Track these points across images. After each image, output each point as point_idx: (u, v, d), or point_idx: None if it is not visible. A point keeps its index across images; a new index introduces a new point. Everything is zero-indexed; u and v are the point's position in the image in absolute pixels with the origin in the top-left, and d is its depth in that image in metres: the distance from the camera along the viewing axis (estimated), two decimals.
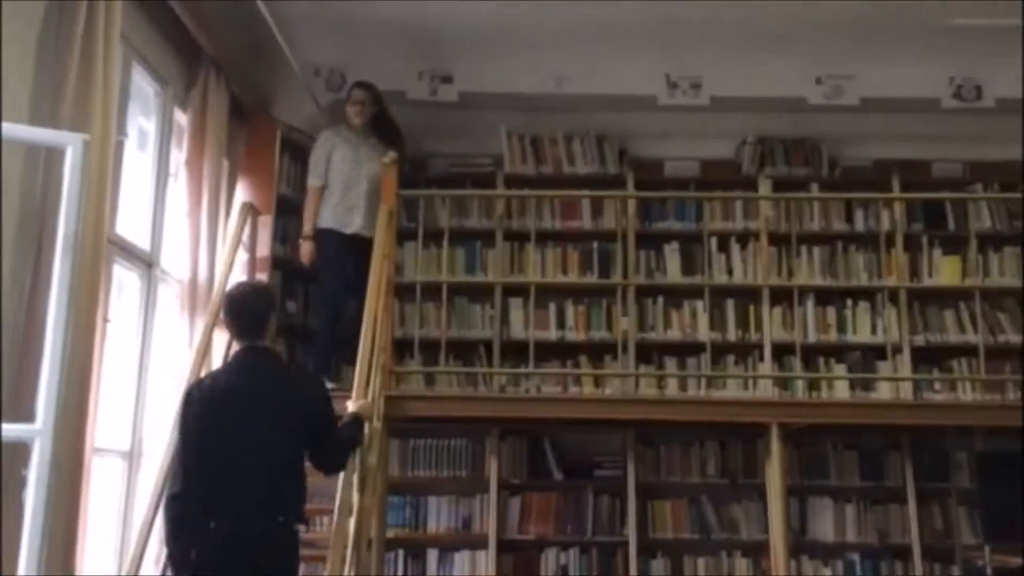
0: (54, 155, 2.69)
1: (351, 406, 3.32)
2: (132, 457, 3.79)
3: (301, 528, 2.92)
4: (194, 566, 2.78)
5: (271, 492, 2.82)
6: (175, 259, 4.11)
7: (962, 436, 4.97)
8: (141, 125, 4.08)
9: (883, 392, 5.07)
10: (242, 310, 3.02)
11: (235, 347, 3.14)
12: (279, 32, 4.56)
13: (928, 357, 5.21)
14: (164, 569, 3.18)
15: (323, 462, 3.11)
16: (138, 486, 3.79)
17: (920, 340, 5.19)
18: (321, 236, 4.61)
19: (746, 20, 4.75)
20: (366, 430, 3.32)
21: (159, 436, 3.73)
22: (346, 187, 4.64)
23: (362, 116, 4.77)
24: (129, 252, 3.77)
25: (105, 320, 3.29)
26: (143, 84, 4.02)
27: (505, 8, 4.65)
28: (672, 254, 5.37)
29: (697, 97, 5.26)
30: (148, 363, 3.89)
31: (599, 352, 5.27)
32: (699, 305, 5.21)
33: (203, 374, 3.16)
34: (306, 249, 4.61)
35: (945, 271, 5.29)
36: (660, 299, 5.28)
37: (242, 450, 2.83)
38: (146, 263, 3.94)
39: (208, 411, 2.90)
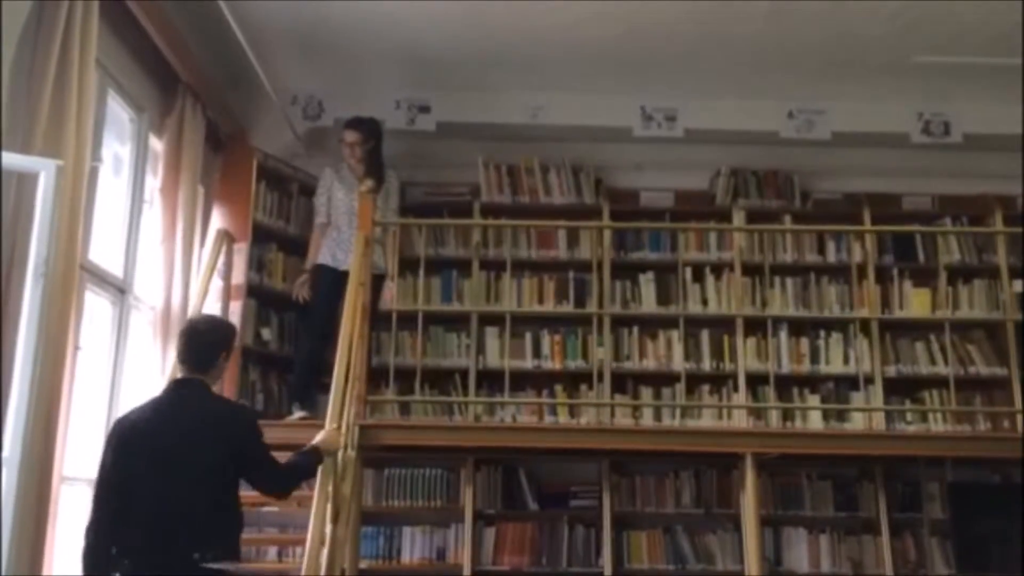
0: (26, 180, 2.68)
1: (317, 438, 3.26)
2: None
3: (228, 564, 2.78)
4: None
5: (186, 530, 2.73)
6: (148, 286, 4.08)
7: (934, 467, 5.00)
8: (116, 151, 4.06)
9: (856, 423, 5.11)
10: (191, 338, 2.98)
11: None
12: (256, 60, 4.58)
13: (900, 388, 5.26)
14: None
15: (263, 487, 3.03)
16: None
17: (892, 371, 5.23)
18: (316, 271, 4.69)
19: (720, 55, 4.84)
20: (325, 461, 3.24)
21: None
22: (347, 225, 4.67)
23: (355, 156, 4.81)
24: (101, 278, 3.74)
25: (76, 347, 3.25)
26: (118, 110, 4.01)
27: (483, 39, 4.70)
28: (647, 284, 5.40)
29: (672, 129, 5.33)
30: (119, 391, 3.84)
31: (575, 381, 5.27)
32: (674, 335, 5.23)
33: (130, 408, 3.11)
34: (299, 282, 4.71)
35: (915, 303, 5.35)
36: (635, 329, 5.30)
37: (155, 489, 2.75)
38: (119, 290, 3.90)
39: (125, 447, 2.83)
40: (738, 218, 5.42)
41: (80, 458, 3.55)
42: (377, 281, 4.50)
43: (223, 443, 2.85)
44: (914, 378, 5.25)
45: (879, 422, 5.06)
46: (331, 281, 4.56)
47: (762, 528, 4.20)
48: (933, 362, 5.26)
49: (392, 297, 4.65)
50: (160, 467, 2.77)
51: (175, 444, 2.80)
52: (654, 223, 5.45)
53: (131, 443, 2.83)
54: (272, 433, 3.38)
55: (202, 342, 2.98)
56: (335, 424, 3.41)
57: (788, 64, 4.92)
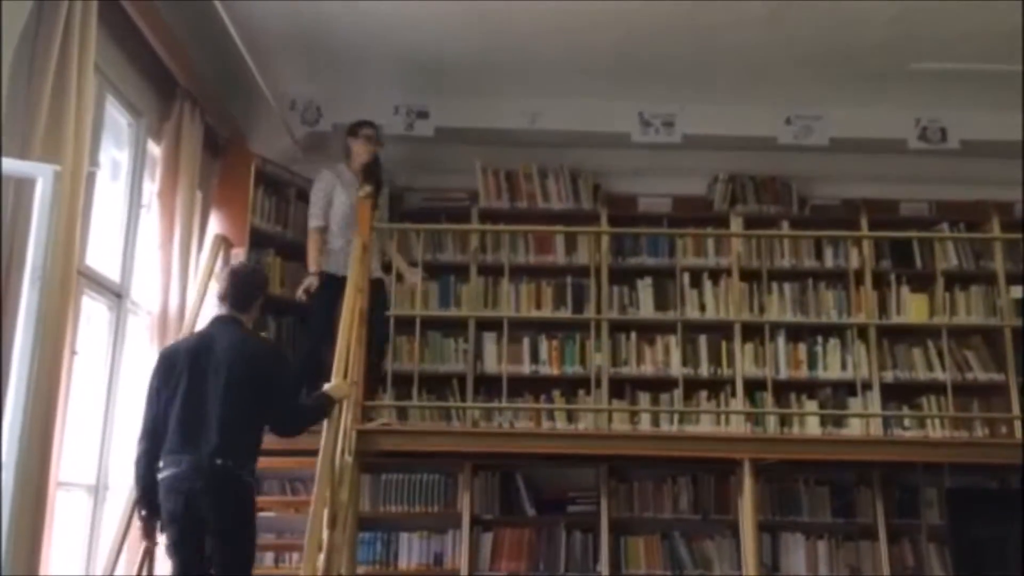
0: (24, 185, 2.68)
1: (327, 386, 3.45)
2: (98, 491, 3.72)
3: (245, 473, 3.10)
4: (150, 508, 3.14)
5: (213, 437, 3.04)
6: (146, 291, 4.08)
7: (931, 473, 5.00)
8: (114, 156, 4.07)
9: (854, 428, 5.11)
10: (237, 281, 3.37)
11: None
12: (255, 65, 4.58)
13: (897, 394, 5.26)
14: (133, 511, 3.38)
15: (276, 423, 3.29)
16: (103, 521, 3.71)
17: (889, 377, 5.24)
18: (321, 278, 4.57)
19: (718, 61, 4.85)
20: (335, 408, 3.43)
21: (126, 470, 3.66)
22: (347, 228, 4.57)
23: (371, 155, 4.78)
24: (99, 283, 3.73)
25: (72, 352, 3.25)
26: (117, 115, 4.01)
27: (481, 45, 4.71)
28: (645, 289, 5.40)
29: (670, 135, 5.34)
30: (116, 396, 3.84)
31: (572, 387, 5.27)
32: (672, 340, 5.23)
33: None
34: (312, 283, 4.54)
35: (913, 309, 5.36)
36: (633, 334, 5.30)
37: (190, 401, 3.10)
38: (116, 294, 3.90)
39: (167, 368, 3.21)
40: (736, 224, 5.43)
41: (77, 463, 3.55)
42: (375, 285, 4.48)
43: (252, 371, 3.18)
44: (912, 384, 5.26)
45: (877, 428, 5.06)
46: (338, 288, 4.47)
47: (760, 534, 4.20)
48: (931, 368, 5.27)
49: (416, 285, 4.77)
50: (196, 383, 3.13)
51: (211, 365, 3.15)
52: (652, 228, 5.45)
53: (174, 363, 3.20)
54: (268, 437, 3.41)
55: (245, 284, 3.38)
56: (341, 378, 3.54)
57: (786, 70, 4.93)
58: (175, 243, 4.15)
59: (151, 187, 4.21)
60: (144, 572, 3.57)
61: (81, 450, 3.61)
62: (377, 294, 4.38)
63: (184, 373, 3.15)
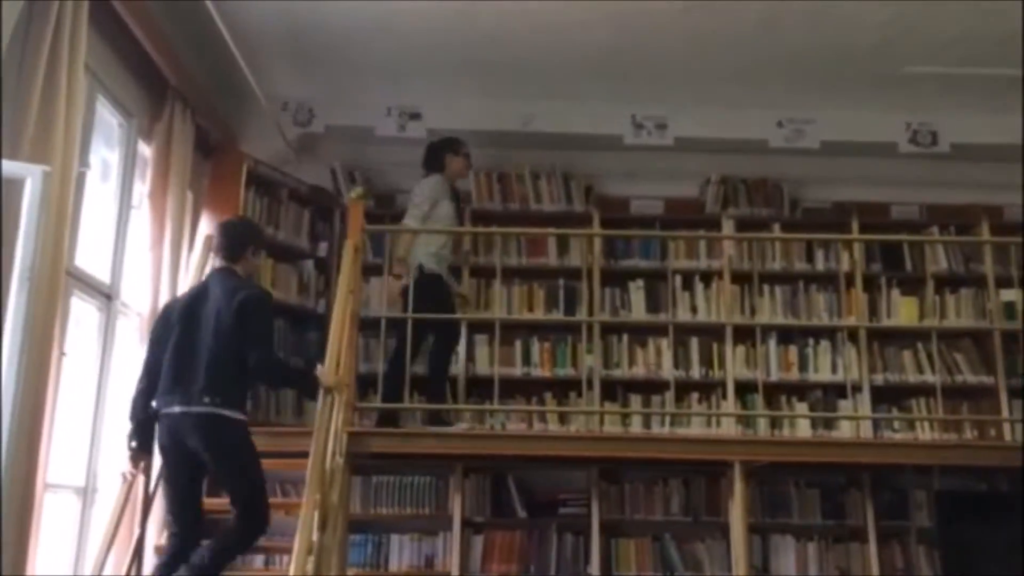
0: (13, 185, 2.66)
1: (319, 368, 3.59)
2: (86, 493, 3.71)
3: (233, 412, 3.30)
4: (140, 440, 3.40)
5: (201, 378, 3.27)
6: (135, 292, 4.06)
7: (921, 475, 5.02)
8: (104, 156, 4.05)
9: (844, 431, 5.12)
10: (227, 232, 3.62)
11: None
12: (247, 66, 4.57)
13: (887, 396, 5.28)
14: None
15: (255, 361, 3.34)
16: (92, 523, 3.70)
17: (879, 379, 5.25)
18: (427, 280, 4.54)
19: (710, 65, 4.86)
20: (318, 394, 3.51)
21: (115, 472, 3.66)
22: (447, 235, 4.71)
23: (467, 173, 5.00)
24: (88, 284, 3.72)
25: (61, 353, 3.24)
26: (107, 115, 4.00)
27: (475, 46, 4.71)
28: (637, 291, 5.41)
29: (662, 138, 5.35)
30: (105, 397, 3.82)
31: (564, 389, 5.27)
32: (663, 342, 5.23)
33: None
34: (405, 285, 4.43)
35: (903, 311, 5.38)
36: (625, 336, 5.30)
37: (182, 343, 3.35)
38: (106, 296, 3.88)
39: (165, 317, 3.51)
40: (727, 226, 5.44)
41: (65, 465, 3.53)
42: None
43: (240, 316, 3.35)
44: (901, 386, 5.27)
45: (867, 430, 5.08)
46: (432, 284, 4.57)
47: (750, 536, 4.21)
48: (920, 370, 5.28)
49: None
50: (188, 329, 3.38)
51: (202, 311, 3.40)
52: (644, 231, 5.46)
53: (170, 314, 3.50)
54: (260, 440, 3.41)
55: (235, 234, 3.61)
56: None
57: (778, 74, 4.95)
58: (165, 244, 4.13)
59: (142, 188, 4.19)
60: (132, 572, 3.57)
61: (70, 452, 3.59)
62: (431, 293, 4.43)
63: (178, 321, 3.41)
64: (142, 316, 4.02)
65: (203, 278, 3.69)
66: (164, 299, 4.08)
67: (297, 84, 5.13)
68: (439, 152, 4.85)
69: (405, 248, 4.58)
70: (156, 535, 3.89)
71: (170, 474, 3.38)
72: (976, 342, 5.34)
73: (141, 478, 3.60)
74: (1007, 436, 5.09)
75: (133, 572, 3.59)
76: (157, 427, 3.35)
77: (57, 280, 3.04)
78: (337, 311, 3.81)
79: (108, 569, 3.45)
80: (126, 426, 3.48)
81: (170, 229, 4.15)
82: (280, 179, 5.13)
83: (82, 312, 3.75)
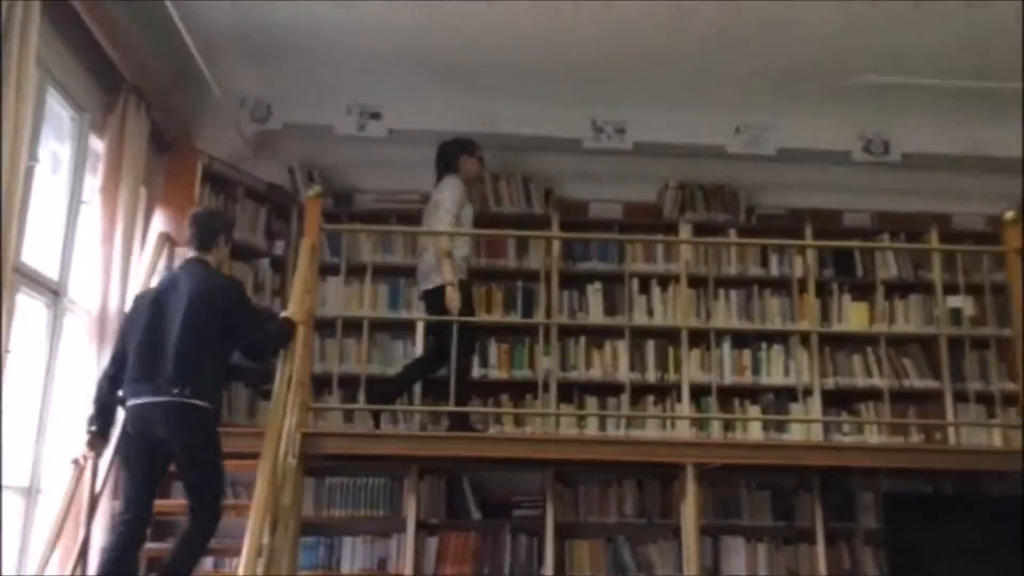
0: None
1: (283, 313, 3.75)
2: (31, 494, 3.63)
3: (201, 402, 3.31)
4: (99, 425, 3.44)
5: (170, 368, 3.28)
6: (85, 289, 3.98)
7: (868, 477, 5.12)
8: (55, 150, 3.97)
9: (795, 433, 5.20)
10: (198, 222, 3.65)
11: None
12: (203, 61, 4.52)
13: (837, 400, 5.38)
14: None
15: (248, 350, 3.62)
16: (35, 524, 3.62)
17: (830, 383, 5.34)
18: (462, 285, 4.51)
19: (670, 70, 4.91)
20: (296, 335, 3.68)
21: (61, 472, 3.59)
22: (468, 240, 4.68)
23: (481, 173, 4.98)
24: (35, 281, 3.65)
25: (5, 351, 3.17)
26: (58, 108, 3.92)
27: (435, 47, 4.70)
28: (595, 294, 5.44)
29: (622, 142, 5.38)
30: (52, 396, 3.75)
31: (521, 391, 5.28)
32: (620, 345, 5.27)
33: None
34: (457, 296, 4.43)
35: (853, 317, 5.48)
36: (582, 339, 5.33)
37: (151, 334, 3.37)
38: (53, 292, 3.81)
39: (136, 308, 3.53)
40: (685, 231, 5.49)
41: (9, 465, 3.45)
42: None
43: (211, 305, 3.42)
44: (851, 390, 5.37)
45: (817, 433, 5.16)
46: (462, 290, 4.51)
47: (701, 537, 4.26)
48: (869, 374, 5.38)
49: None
50: (157, 318, 3.40)
51: (172, 302, 3.41)
52: (602, 234, 5.50)
53: (141, 304, 3.52)
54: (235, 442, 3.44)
55: (205, 224, 3.65)
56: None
57: (736, 81, 5.00)
58: (116, 240, 4.06)
59: (93, 182, 4.11)
60: (78, 572, 3.51)
61: (14, 452, 3.51)
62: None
63: (147, 309, 3.44)
64: (91, 314, 3.95)
65: (175, 268, 3.75)
66: (114, 296, 4.03)
67: (255, 80, 5.07)
68: (453, 153, 4.81)
69: (448, 251, 4.49)
70: (101, 536, 3.82)
71: (133, 463, 3.41)
72: (923, 347, 5.46)
73: (88, 477, 3.54)
74: (952, 440, 5.22)
75: (78, 573, 3.52)
76: (123, 416, 3.38)
77: (3, 276, 2.98)
78: (294, 303, 3.77)
79: (52, 569, 3.38)
80: (87, 410, 3.48)
81: (122, 225, 4.08)
82: (236, 176, 5.08)
83: (29, 309, 3.67)
